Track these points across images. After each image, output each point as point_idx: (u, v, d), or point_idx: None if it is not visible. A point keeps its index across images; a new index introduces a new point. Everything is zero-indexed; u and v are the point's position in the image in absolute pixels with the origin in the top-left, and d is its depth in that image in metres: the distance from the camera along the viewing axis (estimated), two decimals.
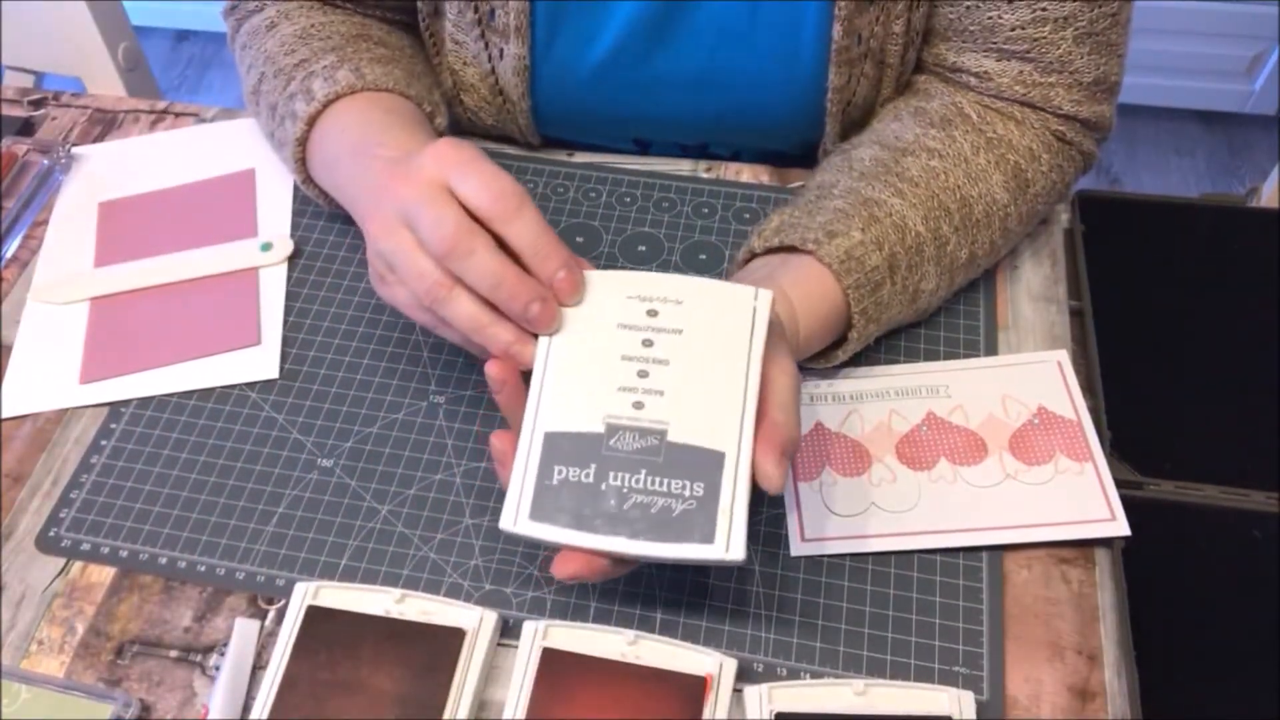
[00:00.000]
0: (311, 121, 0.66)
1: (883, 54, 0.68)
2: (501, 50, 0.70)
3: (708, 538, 0.47)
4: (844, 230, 0.59)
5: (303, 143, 0.66)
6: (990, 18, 0.64)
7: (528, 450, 0.50)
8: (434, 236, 0.50)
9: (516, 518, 0.49)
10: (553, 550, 0.50)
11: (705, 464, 0.48)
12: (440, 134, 0.69)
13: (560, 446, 0.49)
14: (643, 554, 0.48)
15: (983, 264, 0.66)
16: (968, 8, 0.65)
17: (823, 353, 0.62)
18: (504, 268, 0.50)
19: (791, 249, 0.60)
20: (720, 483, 0.48)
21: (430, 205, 0.50)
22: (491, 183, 0.50)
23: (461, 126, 0.79)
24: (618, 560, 0.50)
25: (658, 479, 0.48)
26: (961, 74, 0.67)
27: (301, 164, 0.68)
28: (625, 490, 0.48)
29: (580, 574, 0.49)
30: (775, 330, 0.52)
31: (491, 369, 0.51)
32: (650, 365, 0.51)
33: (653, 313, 0.52)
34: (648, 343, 0.51)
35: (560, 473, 0.49)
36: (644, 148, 0.79)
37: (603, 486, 0.49)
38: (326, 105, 0.65)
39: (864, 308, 0.59)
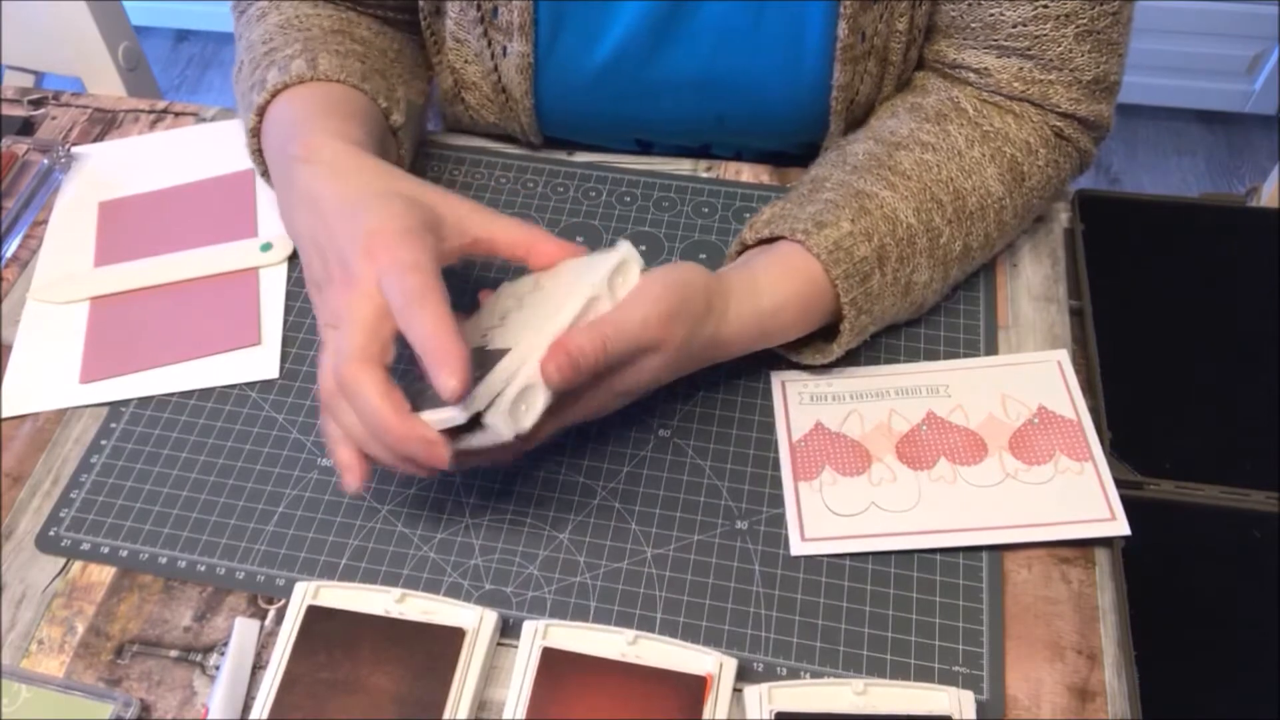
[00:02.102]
0: (262, 112, 0.64)
1: (886, 51, 0.69)
2: (505, 48, 0.70)
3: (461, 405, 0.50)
4: (833, 221, 0.60)
5: (256, 133, 0.65)
6: (992, 14, 0.64)
7: None
8: (335, 363, 0.51)
9: None
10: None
11: (494, 360, 0.51)
12: (395, 132, 0.67)
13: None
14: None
15: (978, 257, 0.66)
16: (970, 4, 0.65)
17: (818, 348, 0.62)
18: (378, 415, 0.50)
19: (781, 239, 0.60)
20: (500, 371, 0.50)
21: (348, 331, 0.51)
22: (400, 282, 0.50)
23: (463, 124, 0.78)
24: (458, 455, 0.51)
25: None
26: (961, 70, 0.67)
27: (258, 155, 0.66)
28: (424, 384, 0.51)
29: (357, 475, 0.52)
30: (658, 285, 0.54)
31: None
32: (511, 313, 0.56)
33: (539, 285, 0.57)
34: (519, 301, 0.56)
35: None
36: (646, 148, 0.79)
37: (418, 385, 0.53)
38: (275, 95, 0.63)
39: (854, 298, 0.59)
